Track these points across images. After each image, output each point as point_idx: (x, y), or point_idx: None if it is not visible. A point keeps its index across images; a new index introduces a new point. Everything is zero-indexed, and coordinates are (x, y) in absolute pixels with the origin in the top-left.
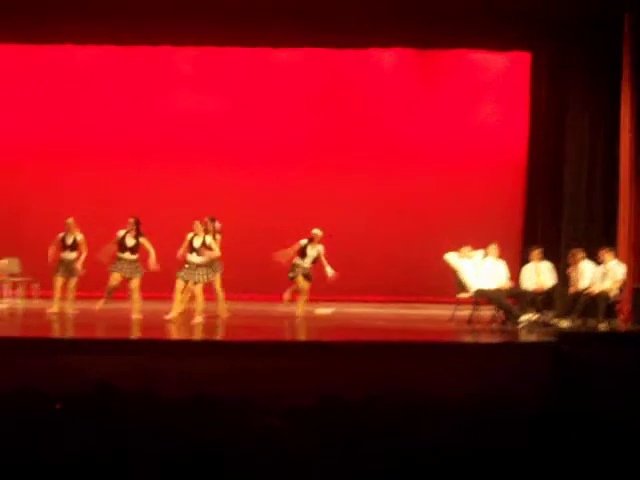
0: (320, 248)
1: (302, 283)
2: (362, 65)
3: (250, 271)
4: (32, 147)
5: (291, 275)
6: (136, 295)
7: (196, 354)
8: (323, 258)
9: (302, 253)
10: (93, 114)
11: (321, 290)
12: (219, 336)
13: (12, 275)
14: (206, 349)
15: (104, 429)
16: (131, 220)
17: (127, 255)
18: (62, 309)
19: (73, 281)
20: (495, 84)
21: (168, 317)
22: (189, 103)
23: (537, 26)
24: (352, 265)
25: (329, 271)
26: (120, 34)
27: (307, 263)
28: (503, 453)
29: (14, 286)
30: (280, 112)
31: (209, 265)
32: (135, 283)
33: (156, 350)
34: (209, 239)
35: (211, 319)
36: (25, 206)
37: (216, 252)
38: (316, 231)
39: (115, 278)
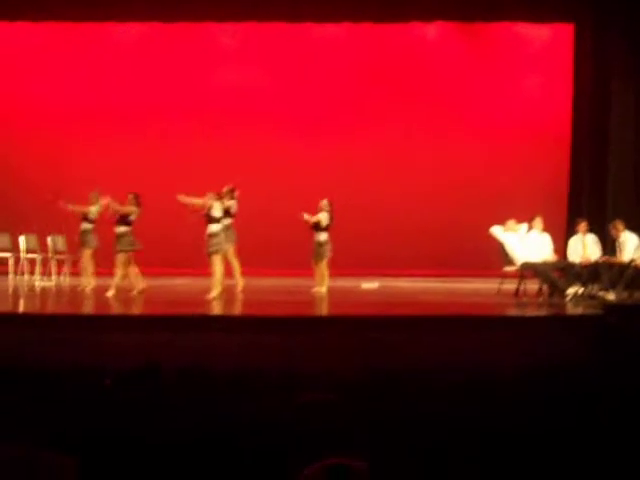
0: (313, 217)
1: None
2: (405, 39)
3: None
4: (72, 125)
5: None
6: (120, 271)
7: (241, 330)
8: (313, 217)
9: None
10: (128, 91)
11: (366, 264)
12: (262, 312)
13: (57, 252)
14: (250, 324)
15: (152, 405)
16: (130, 196)
17: (118, 228)
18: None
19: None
20: (539, 56)
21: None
22: (230, 79)
23: None
24: (397, 239)
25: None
26: (158, 11)
27: (315, 236)
28: (551, 426)
29: (59, 263)
30: (322, 85)
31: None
32: (120, 258)
33: (202, 326)
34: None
35: (245, 294)
36: (69, 183)
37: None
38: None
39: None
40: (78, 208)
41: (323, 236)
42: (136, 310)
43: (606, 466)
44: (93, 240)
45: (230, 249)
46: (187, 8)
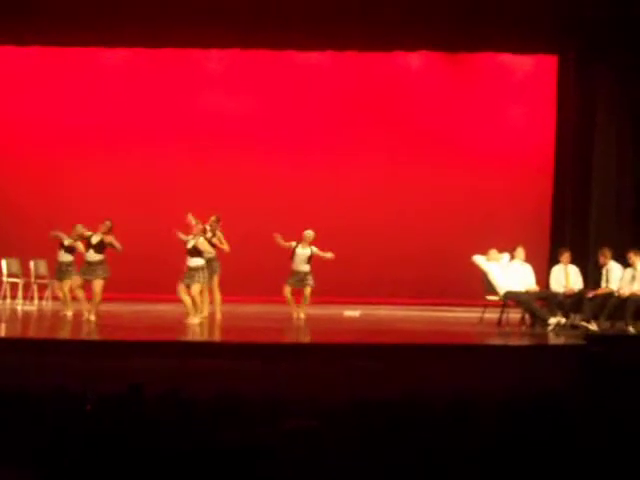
0: (314, 249)
1: (289, 295)
2: (389, 68)
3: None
4: (57, 149)
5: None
6: (99, 297)
7: (223, 356)
8: (320, 254)
9: (292, 255)
10: (114, 115)
11: (348, 292)
12: (244, 339)
13: (39, 277)
14: (232, 351)
15: (134, 430)
16: (108, 222)
17: (90, 254)
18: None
19: (67, 283)
20: (522, 86)
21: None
22: (215, 105)
23: (563, 28)
24: (379, 267)
25: (329, 255)
26: (145, 37)
27: (301, 266)
28: (531, 456)
29: (41, 288)
30: (305, 114)
31: (208, 266)
32: (100, 284)
33: (184, 352)
34: (201, 240)
35: (226, 321)
36: (53, 208)
37: (209, 250)
38: (307, 232)
39: (75, 281)
40: (72, 241)
41: (308, 266)
42: (118, 336)
43: None
44: (74, 271)
45: (215, 280)
46: (173, 34)
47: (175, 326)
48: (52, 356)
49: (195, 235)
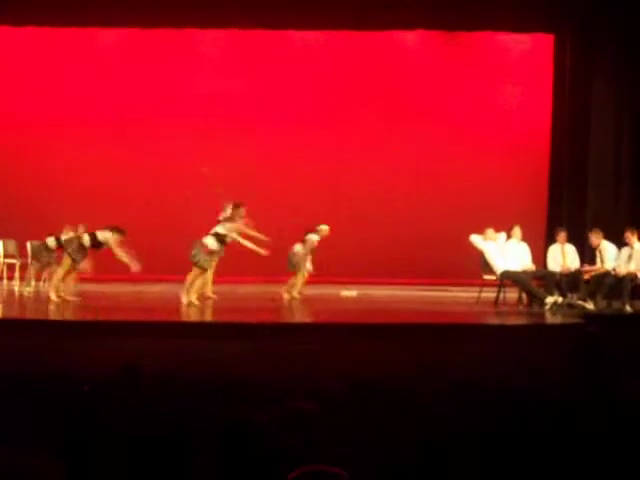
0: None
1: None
2: (385, 47)
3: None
4: (53, 130)
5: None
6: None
7: (220, 337)
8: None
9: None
10: (110, 96)
11: (346, 272)
12: (241, 319)
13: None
14: (229, 332)
15: (130, 412)
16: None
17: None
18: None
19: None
20: (519, 65)
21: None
22: (212, 86)
23: (560, 7)
24: (377, 247)
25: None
26: (140, 17)
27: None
28: (528, 436)
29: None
30: (302, 94)
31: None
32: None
33: (181, 333)
34: (235, 235)
35: (226, 301)
36: (50, 189)
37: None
38: (324, 228)
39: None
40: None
41: None
42: (115, 316)
43: (585, 474)
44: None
45: (215, 260)
46: (169, 14)
47: (172, 307)
48: (48, 337)
49: (236, 226)
